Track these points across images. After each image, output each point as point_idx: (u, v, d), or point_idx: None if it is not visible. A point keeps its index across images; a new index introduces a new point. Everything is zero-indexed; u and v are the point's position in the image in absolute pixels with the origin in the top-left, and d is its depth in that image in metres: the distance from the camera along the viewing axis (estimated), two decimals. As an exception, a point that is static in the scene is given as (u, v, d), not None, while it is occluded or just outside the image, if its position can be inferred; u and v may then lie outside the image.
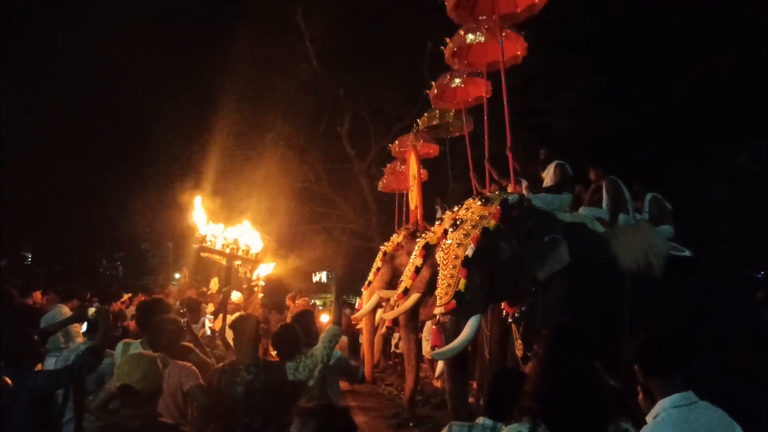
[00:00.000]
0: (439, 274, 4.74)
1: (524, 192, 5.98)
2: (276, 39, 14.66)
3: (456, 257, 4.58)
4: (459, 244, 4.63)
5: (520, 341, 4.70)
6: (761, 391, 4.46)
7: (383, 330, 8.12)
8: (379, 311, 7.76)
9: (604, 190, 5.60)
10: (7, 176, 15.65)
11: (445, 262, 4.67)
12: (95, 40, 16.45)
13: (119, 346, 3.71)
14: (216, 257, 5.16)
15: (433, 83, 8.10)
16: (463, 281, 4.47)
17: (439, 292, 4.65)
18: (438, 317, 4.59)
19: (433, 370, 7.01)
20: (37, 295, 7.13)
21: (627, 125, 13.32)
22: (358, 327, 8.33)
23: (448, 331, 4.57)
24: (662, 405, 2.22)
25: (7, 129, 15.98)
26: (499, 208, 4.75)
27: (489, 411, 2.45)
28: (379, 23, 14.58)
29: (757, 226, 11.45)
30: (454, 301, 4.46)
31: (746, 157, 11.59)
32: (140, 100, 15.78)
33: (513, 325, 4.81)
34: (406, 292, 6.34)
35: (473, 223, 4.72)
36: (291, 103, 14.80)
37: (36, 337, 3.53)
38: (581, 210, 5.62)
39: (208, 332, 4.97)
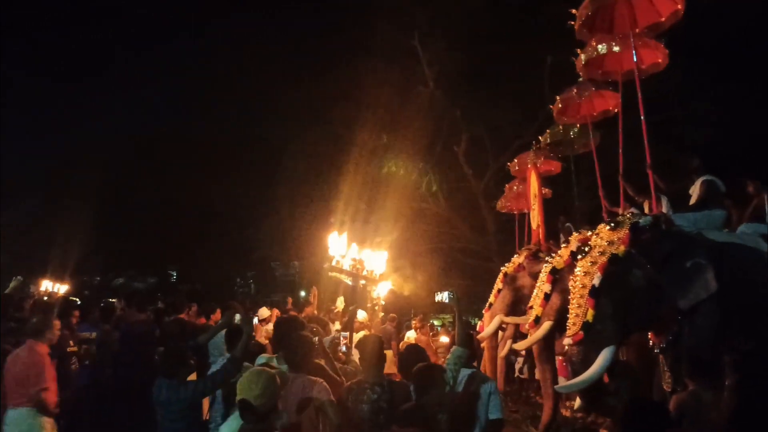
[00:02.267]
0: (570, 305, 4.53)
1: (663, 211, 5.56)
2: (394, 64, 15.14)
3: (583, 286, 4.36)
4: (586, 273, 4.40)
5: (668, 373, 4.33)
6: None
7: (504, 353, 7.91)
8: (500, 334, 7.58)
9: (766, 203, 5.06)
10: (157, 204, 17.63)
11: (574, 292, 4.47)
12: (235, 74, 18.09)
13: (259, 359, 3.94)
14: (343, 277, 5.36)
15: (557, 98, 7.85)
16: (591, 312, 4.22)
17: (568, 323, 4.44)
18: (566, 349, 4.38)
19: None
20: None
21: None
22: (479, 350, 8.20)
23: (574, 363, 4.35)
24: None
25: (156, 166, 18.10)
26: (628, 232, 4.42)
27: None
28: (496, 43, 14.50)
29: None
30: (581, 333, 4.23)
31: None
32: (272, 130, 17.04)
33: (660, 356, 4.45)
34: (537, 321, 6.12)
35: (601, 250, 4.46)
36: (409, 125, 15.13)
37: (189, 350, 3.87)
38: (741, 227, 5.09)
39: (343, 348, 5.12)
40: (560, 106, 7.84)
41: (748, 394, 2.33)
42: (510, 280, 7.53)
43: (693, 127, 12.93)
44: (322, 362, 3.97)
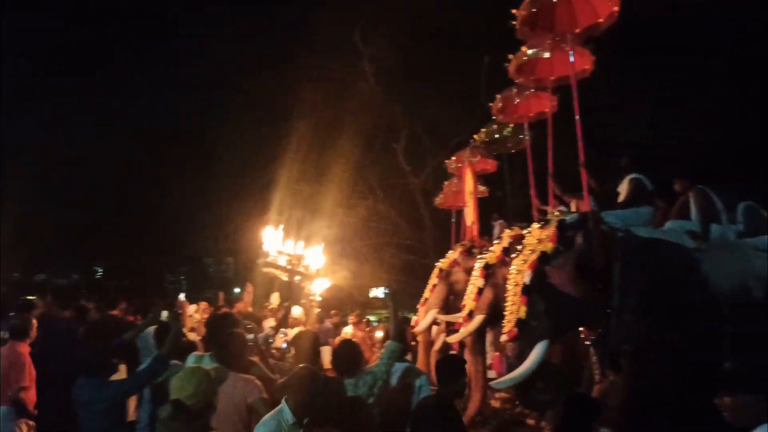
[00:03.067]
0: (507, 303, 4.65)
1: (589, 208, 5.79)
2: (334, 59, 15.04)
3: (516, 284, 4.51)
4: (519, 271, 4.57)
5: (597, 364, 4.53)
6: None
7: (437, 346, 8.05)
8: (434, 328, 7.71)
9: (692, 201, 5.26)
10: (80, 198, 16.73)
11: (509, 290, 4.61)
12: (158, 64, 17.42)
13: (190, 359, 3.82)
14: (278, 272, 5.28)
15: (498, 96, 8.00)
16: (524, 309, 4.38)
17: (505, 320, 4.58)
18: (503, 345, 4.53)
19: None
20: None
21: (704, 135, 12.66)
22: (413, 344, 8.28)
23: (509, 358, 4.49)
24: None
25: (78, 154, 17.16)
26: (555, 230, 4.57)
27: None
28: (436, 41, 14.69)
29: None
30: (516, 329, 4.38)
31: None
32: (203, 121, 16.56)
33: (591, 348, 4.64)
34: (471, 315, 6.26)
35: (532, 248, 4.62)
36: (348, 121, 15.10)
37: (115, 349, 3.71)
38: (668, 224, 5.29)
39: (284, 345, 5.04)
40: (500, 104, 8.00)
41: (643, 384, 2.41)
42: (445, 275, 7.67)
43: (624, 129, 13.49)
44: (256, 360, 3.91)
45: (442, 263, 7.95)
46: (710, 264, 4.32)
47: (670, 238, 4.69)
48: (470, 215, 8.46)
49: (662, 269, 4.25)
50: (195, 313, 7.46)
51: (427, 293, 7.83)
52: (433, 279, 7.83)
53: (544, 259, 4.44)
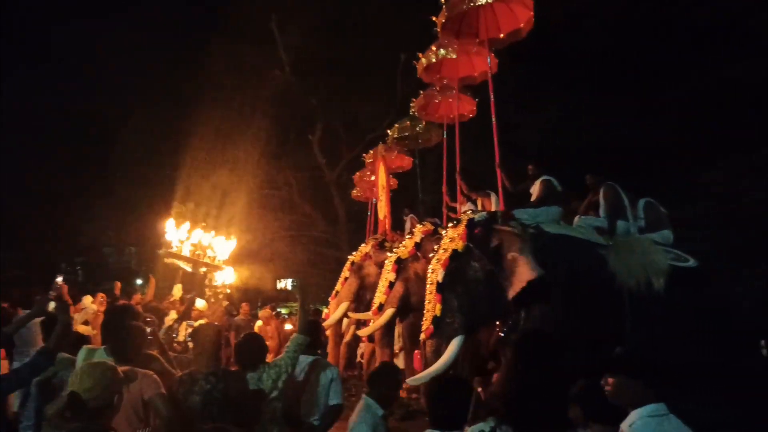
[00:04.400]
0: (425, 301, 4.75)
1: (493, 206, 6.01)
2: (250, 45, 14.60)
3: (432, 283, 4.63)
4: (433, 270, 4.69)
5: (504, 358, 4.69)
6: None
7: (348, 338, 8.10)
8: (345, 321, 7.74)
9: (601, 197, 5.44)
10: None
11: (427, 290, 4.72)
12: (60, 44, 16.12)
13: (82, 352, 3.57)
14: (181, 263, 5.06)
15: (421, 92, 8.12)
16: (438, 306, 4.50)
17: (423, 319, 4.67)
18: (422, 343, 4.61)
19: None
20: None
21: (602, 140, 13.56)
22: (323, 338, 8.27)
23: (426, 355, 4.59)
24: (639, 414, 2.26)
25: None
26: (465, 228, 4.70)
27: (435, 423, 2.44)
28: (355, 36, 14.66)
29: (723, 243, 11.84)
30: (432, 327, 4.49)
31: (713, 175, 11.96)
32: (106, 105, 15.50)
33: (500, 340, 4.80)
34: (381, 308, 6.33)
35: (445, 247, 4.74)
36: (263, 110, 14.72)
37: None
38: (577, 220, 5.44)
39: (188, 338, 4.83)
40: (423, 102, 8.13)
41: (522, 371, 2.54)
42: (357, 268, 7.72)
43: (531, 132, 14.16)
44: (156, 353, 3.73)
45: (354, 256, 7.99)
46: (615, 259, 4.53)
47: (578, 234, 4.85)
48: (383, 209, 8.56)
49: (570, 264, 4.40)
50: (91, 305, 7.02)
51: (338, 286, 7.85)
52: (345, 272, 7.86)
53: (455, 257, 4.58)
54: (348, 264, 7.95)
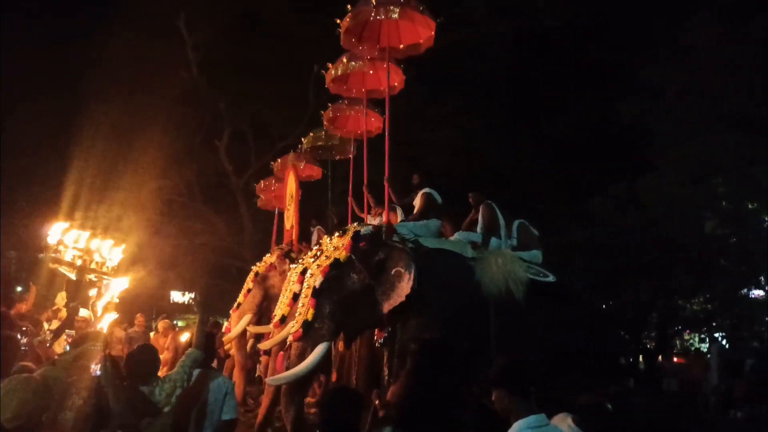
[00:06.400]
0: (298, 304, 4.84)
1: (398, 220, 6.10)
2: (155, 41, 13.89)
3: (308, 287, 4.74)
4: (312, 275, 4.81)
5: (386, 366, 4.77)
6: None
7: (247, 351, 7.81)
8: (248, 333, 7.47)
9: (480, 215, 5.75)
10: None
11: (303, 293, 4.82)
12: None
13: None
14: (65, 269, 4.66)
15: (330, 105, 8.07)
16: (311, 311, 4.60)
17: (294, 321, 4.74)
18: (287, 344, 4.68)
19: None
20: None
21: (497, 163, 14.34)
22: (228, 350, 7.90)
23: (290, 357, 4.65)
24: (519, 425, 2.33)
25: None
26: (350, 240, 4.88)
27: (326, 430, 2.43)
28: (268, 40, 14.41)
29: (607, 264, 12.83)
30: (301, 330, 4.58)
31: (601, 202, 12.93)
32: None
33: (383, 350, 4.89)
34: (284, 320, 6.16)
35: (327, 254, 4.90)
36: (165, 110, 14.00)
37: None
38: (456, 234, 5.75)
39: (67, 347, 4.43)
40: (331, 115, 8.08)
41: (418, 380, 2.66)
42: (261, 279, 7.50)
43: (433, 151, 14.58)
44: (30, 365, 3.41)
45: (258, 267, 7.77)
46: (480, 270, 4.91)
47: (452, 248, 5.24)
48: (290, 219, 8.41)
49: (442, 276, 4.78)
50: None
51: (241, 297, 7.58)
52: (249, 283, 7.61)
53: (336, 265, 4.76)
54: (251, 275, 7.71)
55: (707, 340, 14.92)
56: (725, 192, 12.48)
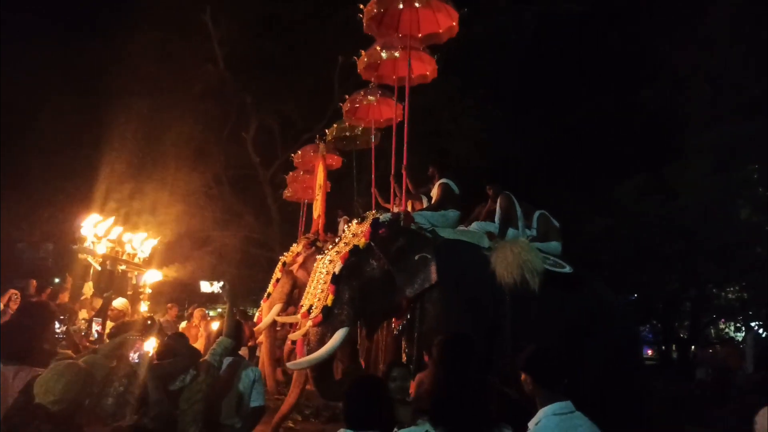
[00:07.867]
0: (317, 289, 4.90)
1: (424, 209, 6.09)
2: (181, 37, 14.08)
3: (328, 273, 4.80)
4: (331, 261, 4.87)
5: (405, 354, 4.80)
6: (635, 410, 4.71)
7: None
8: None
9: (498, 205, 5.73)
10: None
11: (321, 279, 4.88)
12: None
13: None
14: (90, 258, 4.80)
15: (347, 97, 8.08)
16: (331, 297, 4.67)
17: (313, 307, 4.80)
18: (308, 330, 4.73)
19: None
20: None
21: (520, 154, 14.17)
22: (259, 341, 8.02)
23: (311, 343, 4.71)
24: (544, 412, 2.37)
25: None
26: (369, 227, 4.92)
27: (350, 422, 2.43)
28: (292, 34, 14.46)
29: (632, 254, 12.61)
30: (321, 315, 4.65)
31: (623, 191, 12.70)
32: (20, 91, 14.41)
33: (401, 338, 4.93)
34: (311, 310, 6.22)
35: (346, 241, 4.96)
36: (194, 104, 14.21)
37: None
38: (473, 225, 5.74)
39: (95, 335, 4.59)
40: (348, 106, 8.10)
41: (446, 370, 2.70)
42: (288, 269, 7.58)
43: (457, 141, 14.47)
44: (69, 353, 3.54)
45: (285, 257, 7.86)
46: (496, 259, 4.85)
47: (468, 238, 5.20)
48: (317, 209, 8.49)
49: (458, 266, 4.75)
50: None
51: (270, 288, 7.68)
52: (277, 273, 7.71)
53: (355, 252, 4.81)
54: (280, 265, 7.81)
55: (743, 329, 14.60)
56: (758, 179, 12.12)
